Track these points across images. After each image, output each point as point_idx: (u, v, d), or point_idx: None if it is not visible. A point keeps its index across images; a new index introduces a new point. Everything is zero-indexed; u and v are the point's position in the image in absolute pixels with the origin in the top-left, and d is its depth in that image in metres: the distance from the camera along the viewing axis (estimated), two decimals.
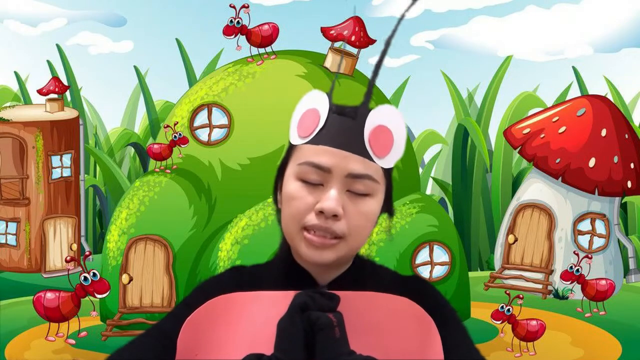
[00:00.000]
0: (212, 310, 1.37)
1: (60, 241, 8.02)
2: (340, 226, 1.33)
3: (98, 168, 10.34)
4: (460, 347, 1.40)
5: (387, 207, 1.43)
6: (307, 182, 1.35)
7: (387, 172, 1.40)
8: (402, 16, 1.40)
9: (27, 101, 10.19)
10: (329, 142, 1.34)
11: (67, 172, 8.05)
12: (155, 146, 6.76)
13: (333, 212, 1.32)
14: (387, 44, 1.39)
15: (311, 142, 1.35)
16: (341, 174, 1.33)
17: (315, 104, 1.37)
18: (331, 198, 1.32)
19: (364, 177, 1.34)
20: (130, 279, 6.30)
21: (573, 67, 10.64)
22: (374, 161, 1.35)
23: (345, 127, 1.35)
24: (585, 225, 7.49)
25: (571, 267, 6.59)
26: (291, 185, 1.36)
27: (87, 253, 5.63)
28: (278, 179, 1.44)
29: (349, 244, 1.36)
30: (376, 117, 1.35)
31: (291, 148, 1.41)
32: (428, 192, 10.78)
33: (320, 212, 1.32)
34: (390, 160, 1.37)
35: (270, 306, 1.36)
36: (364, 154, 1.34)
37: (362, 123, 1.35)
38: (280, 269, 1.44)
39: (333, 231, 1.33)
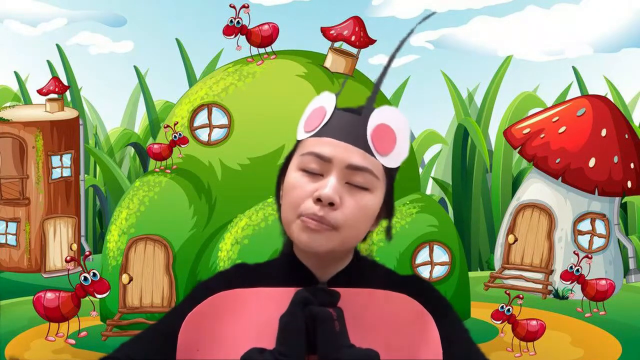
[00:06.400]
0: (213, 306, 1.38)
1: (60, 241, 8.02)
2: (335, 216, 1.34)
3: (98, 168, 10.33)
4: (459, 343, 1.41)
5: (388, 211, 1.43)
6: (308, 172, 1.36)
7: (389, 173, 1.40)
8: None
9: (27, 101, 10.18)
10: (332, 134, 1.36)
11: (67, 172, 8.04)
12: (155, 146, 6.76)
13: (330, 200, 1.33)
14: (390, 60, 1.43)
15: (315, 135, 1.38)
16: (341, 165, 1.34)
17: (323, 102, 1.40)
18: (329, 185, 1.33)
19: (364, 170, 1.35)
20: (130, 279, 6.30)
21: (573, 67, 10.64)
22: (374, 157, 1.36)
23: (348, 122, 1.37)
24: (585, 225, 7.48)
25: (571, 267, 6.59)
26: (292, 175, 1.39)
27: (87, 253, 5.63)
28: (281, 174, 1.45)
29: (342, 235, 1.36)
30: (380, 116, 1.38)
31: (297, 144, 1.43)
32: (428, 192, 10.77)
33: (318, 200, 1.33)
34: (391, 160, 1.38)
35: (271, 302, 1.37)
36: (365, 148, 1.36)
37: (365, 119, 1.37)
38: (282, 266, 1.45)
39: (327, 221, 1.34)
